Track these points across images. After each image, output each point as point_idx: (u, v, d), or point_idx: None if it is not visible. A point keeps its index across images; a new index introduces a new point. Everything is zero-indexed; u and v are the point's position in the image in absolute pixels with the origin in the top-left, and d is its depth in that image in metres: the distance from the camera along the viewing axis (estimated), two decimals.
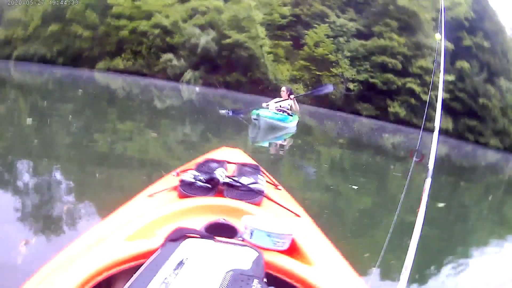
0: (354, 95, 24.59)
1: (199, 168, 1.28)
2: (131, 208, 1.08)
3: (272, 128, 7.90)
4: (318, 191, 3.94)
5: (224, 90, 24.50)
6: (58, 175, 2.93)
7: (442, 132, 27.51)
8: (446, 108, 29.79)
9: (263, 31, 24.71)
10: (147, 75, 26.30)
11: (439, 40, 2.30)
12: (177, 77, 25.27)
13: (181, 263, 0.65)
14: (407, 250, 1.06)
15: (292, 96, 8.33)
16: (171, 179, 1.28)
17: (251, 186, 1.14)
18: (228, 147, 1.90)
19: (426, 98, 26.47)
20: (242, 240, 0.81)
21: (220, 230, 0.85)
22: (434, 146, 1.53)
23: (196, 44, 25.16)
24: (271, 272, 0.75)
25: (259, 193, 1.12)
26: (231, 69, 25.10)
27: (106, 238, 0.82)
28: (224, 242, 0.76)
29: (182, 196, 1.09)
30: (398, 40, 25.92)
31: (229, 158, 1.53)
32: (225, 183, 1.15)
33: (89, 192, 2.54)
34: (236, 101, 17.42)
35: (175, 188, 1.15)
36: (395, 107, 25.05)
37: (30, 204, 2.23)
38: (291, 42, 25.98)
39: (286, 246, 0.83)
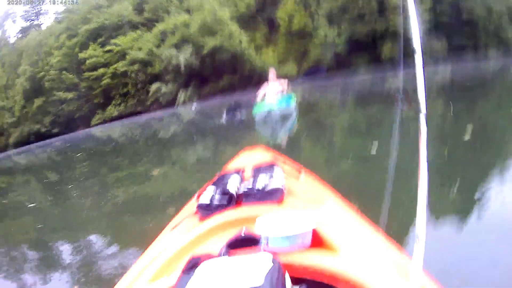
0: (344, 54, 24.29)
1: (216, 183, 1.23)
2: (156, 246, 1.05)
3: (284, 117, 7.72)
4: (342, 165, 3.89)
5: (220, 97, 24.41)
6: (91, 236, 3.16)
7: (440, 60, 27.23)
8: (434, 25, 29.35)
9: (236, 27, 24.53)
10: (142, 112, 26.27)
11: None
12: (172, 103, 25.20)
13: None
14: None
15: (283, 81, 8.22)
16: (191, 205, 1.24)
17: (268, 186, 1.10)
18: (248, 149, 1.82)
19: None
20: (263, 249, 0.77)
21: (243, 243, 0.81)
22: (420, 77, 1.22)
23: (178, 64, 25.06)
24: (297, 275, 0.72)
25: (277, 191, 1.08)
26: (220, 74, 24.96)
27: (133, 282, 0.83)
28: (239, 256, 0.72)
29: (202, 219, 1.05)
30: None
31: (247, 162, 1.48)
32: (242, 192, 1.12)
33: (121, 239, 2.71)
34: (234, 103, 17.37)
35: (195, 213, 1.11)
36: (386, 53, 24.75)
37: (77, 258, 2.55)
38: (266, 26, 25.76)
39: (308, 242, 0.79)
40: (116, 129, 21.15)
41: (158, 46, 26.91)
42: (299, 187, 1.19)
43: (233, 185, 1.14)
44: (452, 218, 2.32)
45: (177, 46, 26.00)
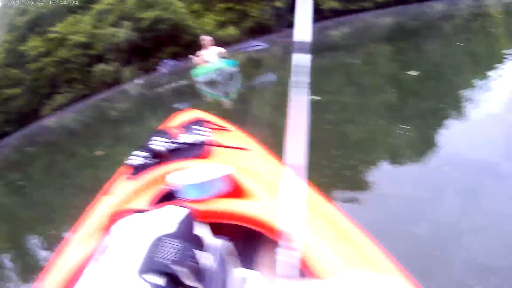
0: (285, 10, 24.21)
1: (144, 146, 1.24)
2: (89, 212, 1.06)
3: (232, 76, 7.69)
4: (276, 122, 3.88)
5: (166, 67, 24.10)
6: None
7: (382, 5, 27.43)
8: None
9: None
10: (90, 95, 25.70)
11: None
12: (118, 81, 24.74)
13: (109, 247, 0.64)
14: None
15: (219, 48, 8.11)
16: (123, 169, 1.26)
17: (193, 141, 1.13)
18: (180, 112, 1.82)
19: None
20: (180, 200, 0.78)
21: (166, 197, 0.83)
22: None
23: (119, 42, 24.54)
24: (214, 220, 0.74)
25: (201, 144, 1.11)
26: (162, 46, 24.58)
27: (65, 248, 0.86)
28: (155, 210, 0.72)
29: (130, 179, 1.08)
30: None
31: (177, 123, 1.49)
32: (169, 150, 1.13)
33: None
34: (177, 70, 17.22)
35: (126, 176, 1.14)
36: (328, 3, 24.79)
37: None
38: None
39: (223, 189, 0.81)
40: (67, 116, 20.68)
41: (95, 27, 26.23)
42: (224, 141, 1.20)
43: (160, 144, 1.15)
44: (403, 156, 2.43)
45: (116, 24, 25.42)
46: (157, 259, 0.58)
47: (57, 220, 3.17)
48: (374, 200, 1.95)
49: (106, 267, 0.59)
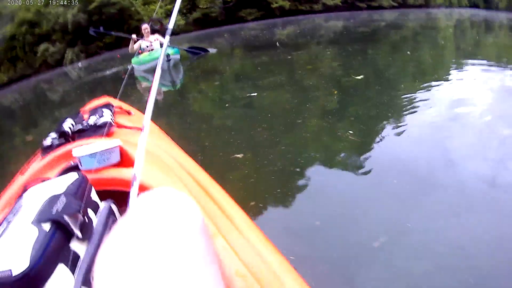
0: (232, 5, 24.50)
1: (56, 129, 1.33)
2: (5, 189, 1.14)
3: (176, 64, 7.63)
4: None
5: (107, 52, 23.86)
6: None
7: (333, 9, 28.10)
8: None
9: None
10: (31, 75, 25.12)
11: None
12: (60, 63, 24.31)
13: (18, 209, 0.71)
14: None
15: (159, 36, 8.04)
16: (39, 151, 1.34)
17: (98, 122, 1.25)
18: (96, 99, 1.95)
19: None
20: (79, 170, 0.90)
21: (70, 170, 0.93)
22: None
23: (65, 22, 24.17)
24: (105, 188, 0.87)
25: (104, 125, 1.23)
26: (107, 29, 24.34)
27: None
28: (56, 178, 0.82)
29: (42, 159, 1.15)
30: None
31: (88, 108, 1.63)
32: (75, 131, 1.25)
33: None
34: (121, 58, 17.05)
35: (38, 155, 1.23)
36: (277, 2, 25.23)
37: None
38: None
39: (114, 160, 0.95)
40: (5, 96, 20.11)
41: (46, 6, 25.74)
42: (125, 123, 1.35)
43: (66, 126, 1.26)
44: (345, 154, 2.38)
45: (65, 5, 25.03)
46: (48, 211, 0.67)
47: None
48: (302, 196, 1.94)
49: (10, 224, 0.66)
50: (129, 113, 1.62)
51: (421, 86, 3.75)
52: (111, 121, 1.31)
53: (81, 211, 0.71)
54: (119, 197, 0.85)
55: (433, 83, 3.76)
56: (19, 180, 1.08)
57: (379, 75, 4.57)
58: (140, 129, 1.11)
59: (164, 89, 6.12)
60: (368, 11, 30.21)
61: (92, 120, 1.31)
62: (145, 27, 8.09)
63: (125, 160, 0.99)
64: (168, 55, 7.31)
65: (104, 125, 1.26)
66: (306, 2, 26.44)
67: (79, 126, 1.30)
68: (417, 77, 4.53)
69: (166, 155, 1.15)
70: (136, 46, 8.06)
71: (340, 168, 2.19)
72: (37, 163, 1.16)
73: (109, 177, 0.92)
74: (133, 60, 8.00)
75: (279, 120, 3.11)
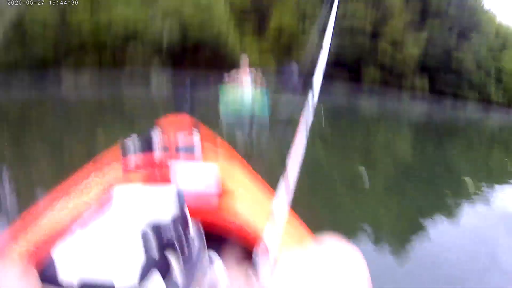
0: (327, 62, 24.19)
1: (140, 135, 1.38)
2: (85, 179, 1.19)
3: (260, 122, 6.70)
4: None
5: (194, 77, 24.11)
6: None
7: (419, 89, 27.38)
8: (420, 65, 29.68)
9: (224, 10, 24.13)
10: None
11: None
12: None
13: (116, 208, 0.78)
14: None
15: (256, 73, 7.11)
16: (117, 150, 1.37)
17: (187, 144, 1.28)
18: (171, 115, 1.97)
19: (400, 57, 26.25)
20: (175, 188, 0.86)
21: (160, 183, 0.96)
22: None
23: (160, 44, 24.59)
24: (197, 211, 0.87)
25: (193, 148, 1.26)
26: (198, 64, 24.59)
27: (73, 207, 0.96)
28: (158, 188, 0.83)
29: (125, 168, 1.21)
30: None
31: (171, 125, 1.62)
32: (163, 146, 1.27)
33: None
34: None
35: (120, 156, 1.26)
36: (369, 71, 24.79)
37: None
38: (257, 18, 25.45)
39: (213, 188, 0.95)
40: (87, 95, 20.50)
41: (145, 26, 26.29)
42: (213, 151, 1.38)
43: (156, 138, 1.29)
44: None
45: (163, 28, 25.49)
46: (159, 237, 0.72)
47: None
48: None
49: (112, 224, 0.73)
50: (215, 140, 1.60)
51: (477, 190, 3.67)
52: (199, 145, 1.31)
53: (184, 244, 0.75)
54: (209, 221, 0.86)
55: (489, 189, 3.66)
56: (105, 174, 1.08)
57: (446, 170, 4.34)
58: (231, 161, 1.20)
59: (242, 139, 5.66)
60: (453, 100, 29.40)
61: (181, 140, 1.31)
62: (243, 58, 7.11)
63: (221, 190, 0.97)
64: (252, 118, 6.54)
65: (193, 147, 1.27)
66: (396, 78, 25.84)
67: (166, 141, 1.30)
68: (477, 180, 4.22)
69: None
70: (232, 79, 7.00)
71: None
72: (119, 164, 1.18)
73: (206, 204, 0.91)
74: (221, 102, 7.01)
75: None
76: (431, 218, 2.75)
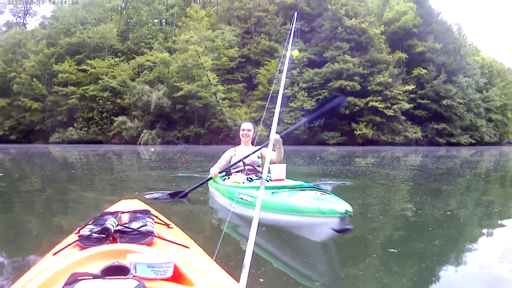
0: (317, 126, 24.00)
1: (95, 222, 1.36)
2: (39, 266, 1.17)
3: None
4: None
5: (183, 145, 23.62)
6: None
7: (413, 142, 27.27)
8: (411, 117, 29.79)
9: (214, 77, 23.99)
10: (102, 142, 25.11)
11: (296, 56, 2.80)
12: (134, 139, 24.16)
13: None
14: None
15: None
16: (72, 237, 1.34)
17: (141, 229, 1.27)
18: (126, 199, 1.99)
19: (390, 113, 26.24)
20: (132, 277, 0.91)
21: (115, 272, 0.95)
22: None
23: (148, 102, 24.22)
24: None
25: (148, 234, 1.24)
26: (188, 122, 24.23)
27: None
28: (112, 279, 0.86)
29: (81, 249, 1.19)
30: (352, 61, 25.67)
31: (124, 208, 1.68)
32: (117, 231, 1.27)
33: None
34: (197, 155, 16.40)
35: (76, 244, 1.24)
36: (361, 129, 24.58)
37: None
38: (244, 84, 25.39)
39: (169, 274, 0.95)
40: (73, 153, 19.96)
41: (132, 79, 26.09)
42: (167, 235, 1.38)
43: (110, 224, 1.28)
44: None
45: (151, 84, 25.27)
46: None
47: None
48: None
49: None
50: (168, 226, 1.53)
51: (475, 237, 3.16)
52: (154, 231, 1.28)
53: None
54: None
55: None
56: (60, 265, 1.05)
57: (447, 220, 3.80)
58: (184, 246, 1.23)
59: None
60: (447, 146, 29.34)
61: (135, 225, 1.29)
62: (248, 128, 3.84)
63: (176, 276, 0.98)
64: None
65: (147, 233, 1.24)
66: (388, 133, 25.71)
67: (121, 227, 1.27)
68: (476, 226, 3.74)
69: None
70: (226, 157, 3.92)
71: None
72: (75, 252, 1.16)
73: None
74: (214, 184, 3.95)
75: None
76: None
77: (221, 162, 3.61)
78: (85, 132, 26.33)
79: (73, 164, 11.54)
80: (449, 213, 4.18)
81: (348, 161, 15.06)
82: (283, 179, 2.56)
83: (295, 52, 2.82)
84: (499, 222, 3.69)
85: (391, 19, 30.27)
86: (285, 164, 2.68)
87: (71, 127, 26.90)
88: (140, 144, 23.82)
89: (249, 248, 1.13)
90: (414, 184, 6.87)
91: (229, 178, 3.46)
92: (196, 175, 6.33)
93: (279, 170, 2.60)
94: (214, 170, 3.55)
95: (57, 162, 12.57)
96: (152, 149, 21.26)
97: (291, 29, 2.83)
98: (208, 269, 1.13)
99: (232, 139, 22.80)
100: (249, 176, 3.21)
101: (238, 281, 1.00)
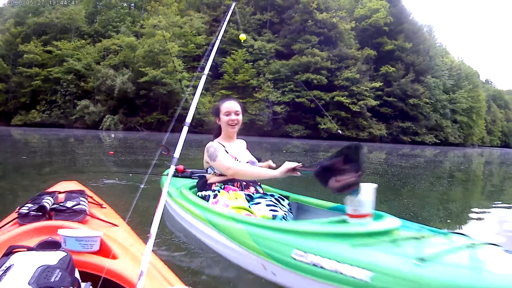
0: (282, 118, 24.13)
1: (33, 201, 1.43)
2: None
3: None
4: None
5: (146, 132, 23.38)
6: None
7: (377, 139, 27.72)
8: (377, 114, 30.23)
9: (180, 64, 23.79)
10: (64, 126, 24.62)
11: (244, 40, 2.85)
12: (96, 124, 23.79)
13: (8, 269, 0.81)
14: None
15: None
16: (13, 215, 1.42)
17: (75, 208, 1.37)
18: (65, 181, 2.05)
19: (355, 108, 26.61)
20: (62, 250, 0.97)
21: (49, 246, 1.01)
22: (182, 137, 1.67)
23: (112, 86, 23.84)
24: (84, 270, 0.98)
25: (81, 212, 1.35)
26: (151, 108, 24.00)
27: None
28: (44, 251, 0.94)
29: (19, 225, 1.26)
30: (320, 54, 25.86)
31: (62, 189, 1.75)
32: (53, 209, 1.35)
33: None
34: (159, 143, 16.20)
35: (15, 222, 1.32)
36: (326, 123, 24.84)
37: None
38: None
39: (96, 248, 1.05)
40: (35, 136, 19.53)
41: (97, 63, 25.62)
42: (99, 214, 1.45)
43: (46, 202, 1.37)
44: None
45: (116, 68, 24.88)
46: (46, 278, 0.77)
47: None
48: None
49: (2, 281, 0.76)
50: (101, 206, 1.66)
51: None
52: (86, 209, 1.40)
53: (74, 286, 0.81)
54: (94, 280, 0.93)
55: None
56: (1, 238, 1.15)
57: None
58: (114, 225, 1.35)
59: None
60: (411, 145, 29.95)
61: (69, 204, 1.40)
62: (236, 110, 1.91)
63: (103, 250, 1.08)
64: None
65: (80, 211, 1.36)
66: (353, 128, 26.07)
67: (56, 206, 1.38)
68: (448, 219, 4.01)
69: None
70: (228, 156, 2.01)
71: None
72: (14, 228, 1.23)
73: (91, 262, 1.01)
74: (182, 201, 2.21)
75: None
76: None
77: (231, 162, 1.82)
78: (47, 115, 25.78)
79: (33, 147, 11.33)
80: (411, 214, 4.22)
81: (312, 154, 15.20)
82: (369, 214, 1.39)
83: (242, 36, 2.85)
84: (457, 225, 3.72)
85: (363, 15, 30.59)
86: (376, 185, 1.42)
87: (34, 110, 26.30)
88: (102, 129, 23.48)
89: (156, 219, 1.23)
90: (379, 181, 6.95)
91: (216, 195, 1.83)
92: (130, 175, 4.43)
93: (366, 196, 1.38)
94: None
95: (17, 144, 12.29)
96: (113, 135, 20.99)
97: (225, 18, 2.30)
98: (132, 245, 1.25)
99: (194, 128, 22.75)
100: (246, 192, 1.85)
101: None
